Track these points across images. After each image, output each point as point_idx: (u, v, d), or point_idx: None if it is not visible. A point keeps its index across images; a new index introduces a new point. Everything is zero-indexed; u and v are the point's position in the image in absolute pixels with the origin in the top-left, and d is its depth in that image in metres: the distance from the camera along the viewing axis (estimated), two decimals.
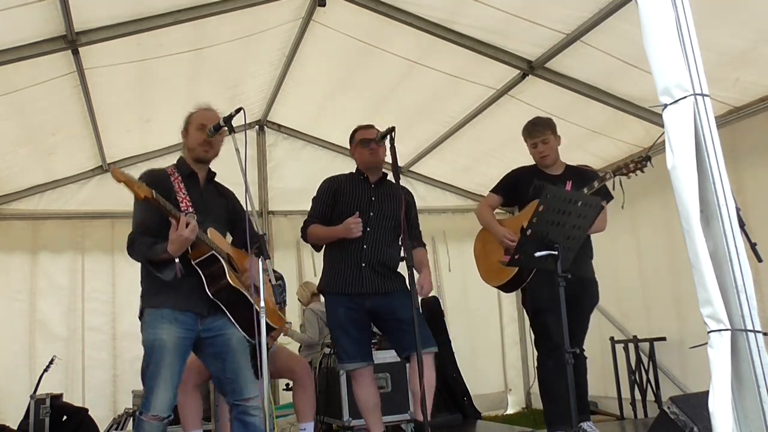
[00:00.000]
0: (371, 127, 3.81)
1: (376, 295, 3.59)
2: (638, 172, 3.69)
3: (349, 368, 3.65)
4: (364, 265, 3.61)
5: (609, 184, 3.76)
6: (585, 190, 3.72)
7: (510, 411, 7.10)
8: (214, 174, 3.26)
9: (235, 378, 3.01)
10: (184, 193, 3.01)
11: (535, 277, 3.78)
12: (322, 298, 6.20)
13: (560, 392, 3.62)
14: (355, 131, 3.87)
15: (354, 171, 3.89)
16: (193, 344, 3.00)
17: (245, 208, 2.84)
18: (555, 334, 3.66)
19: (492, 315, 7.32)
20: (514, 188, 4.09)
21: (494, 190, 4.20)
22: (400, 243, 3.70)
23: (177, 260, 2.83)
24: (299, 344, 5.99)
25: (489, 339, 7.31)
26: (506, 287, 4.04)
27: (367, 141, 3.72)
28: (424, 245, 3.88)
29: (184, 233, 2.77)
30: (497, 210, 4.40)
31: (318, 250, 3.85)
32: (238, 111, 2.93)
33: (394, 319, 3.56)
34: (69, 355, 6.07)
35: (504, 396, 7.23)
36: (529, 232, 3.05)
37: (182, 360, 2.93)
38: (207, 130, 3.04)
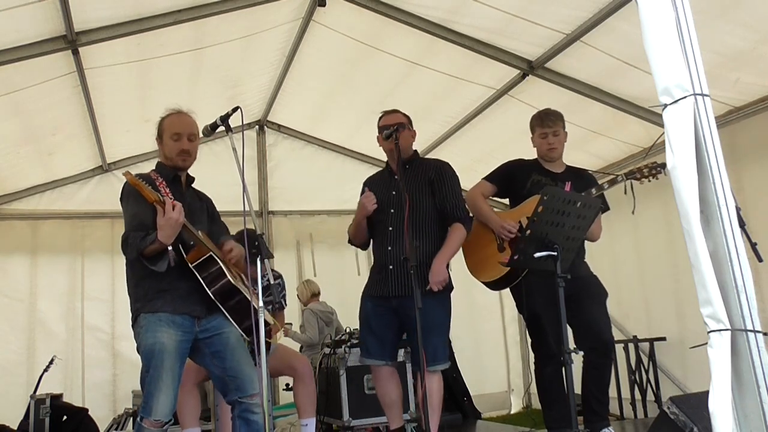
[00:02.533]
0: (393, 112, 3.67)
1: (401, 297, 3.43)
2: (652, 178, 3.64)
3: (366, 362, 3.65)
4: (391, 267, 3.49)
5: (620, 186, 3.70)
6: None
7: (513, 411, 7.11)
8: (193, 179, 3.24)
9: (237, 375, 3.00)
10: (170, 197, 2.97)
11: (529, 282, 3.66)
12: (321, 298, 6.27)
13: (559, 397, 3.61)
14: (380, 116, 3.72)
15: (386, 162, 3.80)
16: (190, 347, 2.99)
17: (243, 209, 2.82)
18: (551, 340, 3.64)
19: (494, 315, 7.34)
20: (510, 180, 3.91)
21: (489, 179, 3.95)
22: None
23: (170, 248, 2.79)
24: (300, 345, 5.99)
25: (491, 339, 7.33)
26: (496, 284, 3.84)
27: (382, 128, 3.58)
28: (460, 218, 3.53)
29: (172, 215, 2.74)
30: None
31: (365, 247, 3.80)
32: (235, 110, 2.92)
33: (410, 327, 3.45)
34: (69, 354, 6.08)
35: (507, 396, 7.24)
36: (528, 231, 3.05)
37: (182, 363, 2.91)
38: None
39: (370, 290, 3.62)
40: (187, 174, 3.20)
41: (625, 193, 3.71)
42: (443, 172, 3.61)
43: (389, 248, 3.51)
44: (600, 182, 3.80)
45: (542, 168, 3.88)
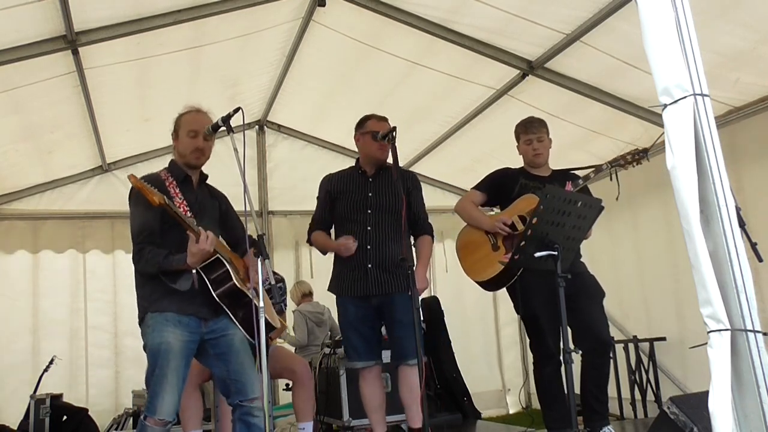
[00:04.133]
0: (385, 120, 3.71)
1: (382, 295, 3.54)
2: (635, 164, 3.71)
3: (357, 366, 3.63)
4: (370, 266, 3.55)
5: (605, 174, 3.76)
6: None
7: (511, 411, 7.10)
8: (207, 176, 3.26)
9: (239, 378, 3.00)
10: (180, 198, 3.00)
11: (526, 283, 3.68)
12: (313, 299, 6.27)
13: (558, 398, 3.62)
14: (367, 119, 3.73)
15: (354, 164, 3.83)
16: (197, 348, 3.00)
17: (244, 209, 2.84)
18: (549, 339, 3.65)
19: (487, 315, 7.35)
20: (499, 187, 3.96)
21: (478, 188, 4.03)
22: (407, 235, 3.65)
23: (194, 271, 2.85)
24: (294, 347, 6.01)
25: (484, 339, 7.34)
26: (491, 284, 3.87)
27: (375, 134, 3.59)
28: (429, 231, 3.73)
29: (204, 247, 2.79)
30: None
31: (324, 253, 3.83)
32: (236, 111, 2.91)
33: (392, 322, 3.55)
34: (72, 353, 6.10)
35: (501, 395, 7.24)
36: (529, 232, 3.05)
37: (187, 364, 2.92)
38: (205, 130, 3.03)
39: (347, 291, 3.62)
40: (200, 172, 3.22)
41: (611, 179, 3.75)
42: (417, 184, 3.78)
43: (368, 247, 3.57)
44: (586, 173, 3.83)
45: (529, 174, 3.95)
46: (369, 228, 3.59)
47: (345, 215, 3.69)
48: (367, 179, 3.71)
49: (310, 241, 3.84)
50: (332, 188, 3.77)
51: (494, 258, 3.77)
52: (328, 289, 3.80)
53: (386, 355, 4.32)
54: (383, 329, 3.83)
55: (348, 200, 3.69)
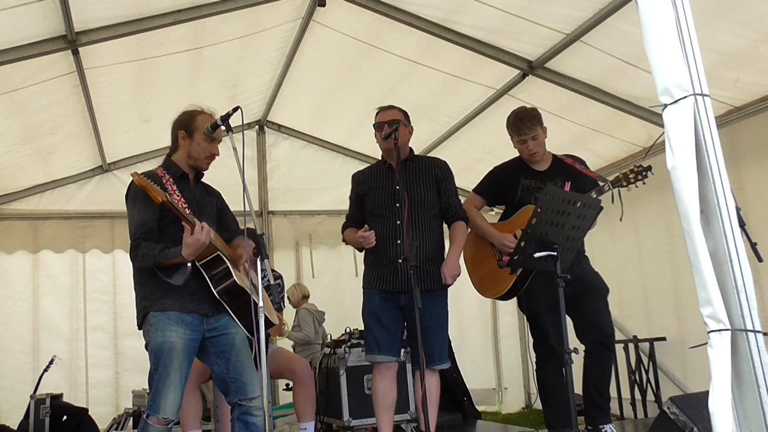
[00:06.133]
0: (389, 108, 3.62)
1: (411, 292, 3.33)
2: (638, 184, 3.58)
3: (377, 360, 3.49)
4: (400, 261, 3.42)
5: (607, 195, 3.64)
6: None
7: (511, 410, 7.10)
8: (202, 174, 3.25)
9: (238, 377, 3.00)
10: (178, 195, 2.99)
11: (530, 282, 3.65)
12: (319, 297, 6.27)
13: (560, 396, 3.61)
14: (376, 113, 3.66)
15: (380, 159, 3.74)
16: (199, 345, 3.00)
17: (243, 209, 2.83)
18: (553, 338, 3.65)
19: (484, 315, 7.34)
20: (499, 189, 3.90)
21: (477, 191, 3.97)
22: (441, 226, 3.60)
23: (189, 264, 2.83)
24: (293, 345, 6.02)
25: (483, 339, 7.34)
26: (504, 296, 3.84)
27: (380, 125, 3.54)
28: (463, 217, 3.59)
29: (200, 237, 2.77)
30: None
31: (360, 250, 3.70)
32: (235, 110, 2.91)
33: (415, 324, 3.38)
34: (72, 353, 6.12)
35: (494, 393, 7.26)
36: (522, 243, 3.05)
37: (190, 362, 2.91)
38: (204, 129, 3.03)
39: (377, 284, 3.53)
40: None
41: (612, 202, 3.65)
42: (448, 172, 3.66)
43: (398, 242, 3.46)
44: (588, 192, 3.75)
45: (529, 169, 3.85)
46: (398, 222, 3.46)
47: (374, 211, 3.60)
48: (393, 172, 3.55)
49: (344, 240, 3.77)
50: (360, 186, 3.71)
51: (500, 273, 3.73)
52: (362, 286, 3.68)
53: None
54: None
55: (376, 195, 3.60)
